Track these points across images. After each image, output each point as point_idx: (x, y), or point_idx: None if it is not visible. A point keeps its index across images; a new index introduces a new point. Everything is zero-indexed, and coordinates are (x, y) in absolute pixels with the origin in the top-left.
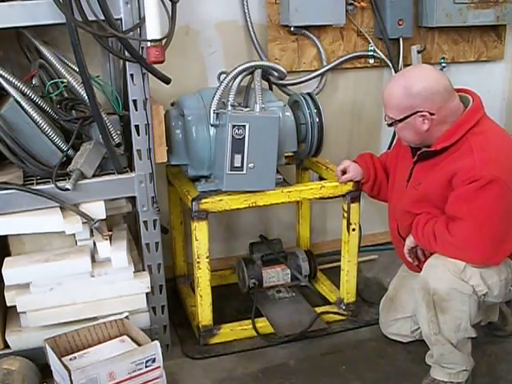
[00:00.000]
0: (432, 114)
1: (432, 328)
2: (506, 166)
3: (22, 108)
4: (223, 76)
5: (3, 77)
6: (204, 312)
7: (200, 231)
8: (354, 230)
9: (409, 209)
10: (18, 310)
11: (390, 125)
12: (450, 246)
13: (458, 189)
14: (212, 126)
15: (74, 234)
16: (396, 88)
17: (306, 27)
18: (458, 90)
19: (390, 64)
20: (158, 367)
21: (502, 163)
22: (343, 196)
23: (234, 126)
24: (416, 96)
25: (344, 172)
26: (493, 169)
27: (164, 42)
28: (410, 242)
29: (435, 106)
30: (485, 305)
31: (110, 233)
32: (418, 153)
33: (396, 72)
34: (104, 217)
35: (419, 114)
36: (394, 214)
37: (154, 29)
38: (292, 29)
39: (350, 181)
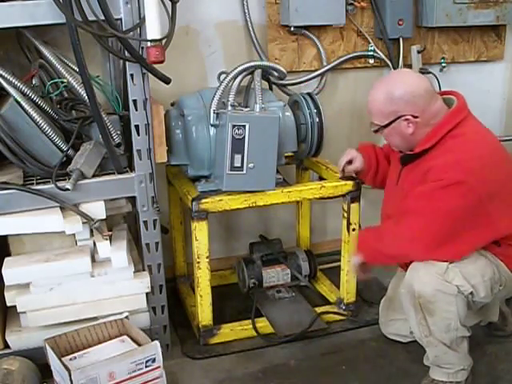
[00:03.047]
0: (416, 117)
1: (422, 331)
2: (478, 169)
3: (22, 108)
4: (223, 76)
5: (3, 77)
6: (204, 312)
7: (200, 231)
8: (354, 229)
9: (396, 209)
10: (18, 309)
11: (375, 131)
12: (396, 237)
13: (425, 184)
14: (212, 126)
15: (74, 234)
16: (378, 94)
17: (306, 27)
18: (444, 93)
19: (390, 64)
20: (158, 367)
21: (473, 167)
22: (343, 196)
23: (234, 126)
24: (398, 100)
25: (350, 162)
26: (460, 171)
27: (164, 41)
28: (355, 260)
29: (418, 108)
30: (476, 305)
31: (110, 233)
32: (399, 156)
33: None
34: (104, 217)
35: (403, 118)
36: (382, 216)
37: (154, 29)
38: (292, 29)
39: (352, 175)
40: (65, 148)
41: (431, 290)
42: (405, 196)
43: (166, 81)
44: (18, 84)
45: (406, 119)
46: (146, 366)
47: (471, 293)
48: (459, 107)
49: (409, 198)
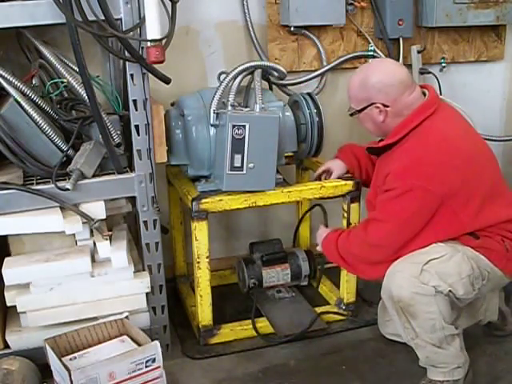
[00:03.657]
0: (386, 106)
1: (408, 333)
2: (432, 172)
3: (22, 108)
4: (223, 76)
5: (3, 77)
6: (204, 312)
7: (200, 231)
8: None
9: (371, 201)
10: (18, 309)
11: (351, 114)
12: (364, 242)
13: (383, 194)
14: (212, 126)
15: (74, 234)
16: (355, 80)
17: (306, 27)
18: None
19: None
20: (158, 367)
21: (426, 170)
22: (343, 196)
23: (234, 126)
24: (370, 88)
25: (329, 173)
26: (412, 177)
27: (164, 41)
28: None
29: (389, 98)
30: (462, 302)
31: (110, 233)
32: (365, 148)
33: None
34: (104, 217)
35: (374, 105)
36: (366, 202)
37: (154, 29)
38: (292, 29)
39: (340, 178)
40: (65, 148)
41: (408, 293)
42: (376, 188)
43: (166, 81)
44: (18, 84)
45: (377, 107)
46: (146, 366)
47: (450, 291)
48: (426, 103)
49: (376, 205)
